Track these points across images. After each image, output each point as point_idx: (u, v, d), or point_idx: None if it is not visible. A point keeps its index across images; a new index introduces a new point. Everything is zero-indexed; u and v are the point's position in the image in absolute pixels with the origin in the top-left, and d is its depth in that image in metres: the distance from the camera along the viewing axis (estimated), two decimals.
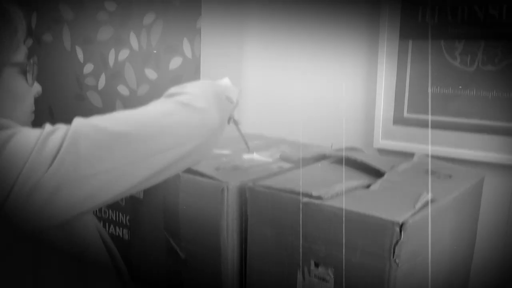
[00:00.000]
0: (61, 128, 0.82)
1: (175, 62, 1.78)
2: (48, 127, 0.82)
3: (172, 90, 1.01)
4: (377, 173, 1.22)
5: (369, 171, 1.24)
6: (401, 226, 0.93)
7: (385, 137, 1.65)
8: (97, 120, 0.86)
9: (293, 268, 1.08)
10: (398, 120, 1.63)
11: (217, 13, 1.93)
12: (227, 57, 1.95)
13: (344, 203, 1.01)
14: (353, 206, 1.00)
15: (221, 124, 1.00)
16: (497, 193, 1.49)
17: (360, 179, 1.17)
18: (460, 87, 1.52)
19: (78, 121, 0.84)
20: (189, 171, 1.21)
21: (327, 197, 1.04)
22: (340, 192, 1.07)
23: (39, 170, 0.76)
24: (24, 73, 0.93)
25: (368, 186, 1.14)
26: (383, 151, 1.67)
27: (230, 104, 1.08)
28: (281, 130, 1.72)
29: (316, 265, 1.05)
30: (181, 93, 0.98)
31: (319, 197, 1.03)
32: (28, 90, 0.95)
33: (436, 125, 1.57)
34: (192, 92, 0.98)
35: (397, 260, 0.94)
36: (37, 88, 0.98)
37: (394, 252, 0.94)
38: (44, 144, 0.78)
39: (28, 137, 0.80)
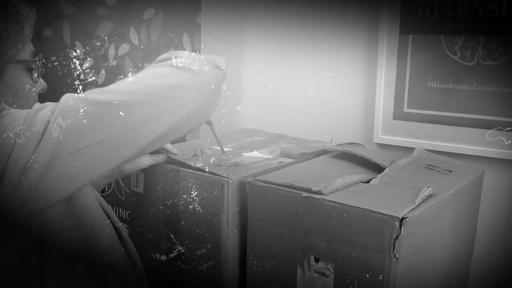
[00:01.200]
0: (49, 104, 0.81)
1: None
2: (37, 105, 0.81)
3: (164, 55, 0.99)
4: (377, 168, 1.22)
5: (369, 166, 1.24)
6: (401, 221, 0.93)
7: (385, 132, 1.65)
8: (86, 93, 0.85)
9: (293, 263, 1.08)
10: (398, 115, 1.63)
11: (217, 8, 1.93)
12: (227, 52, 1.95)
13: (344, 198, 1.02)
14: (353, 201, 1.00)
15: (217, 87, 0.98)
16: (497, 188, 1.49)
17: (360, 174, 1.17)
18: (460, 82, 1.51)
19: (66, 96, 0.83)
20: (189, 166, 1.21)
21: (327, 192, 1.04)
22: (340, 187, 1.07)
23: (28, 147, 0.76)
24: (29, 70, 0.93)
25: (368, 181, 1.14)
26: (383, 146, 1.67)
27: (220, 71, 1.06)
28: (281, 125, 1.72)
29: (316, 260, 1.05)
30: (173, 57, 0.96)
31: (319, 192, 1.03)
32: (33, 87, 0.95)
33: (436, 120, 1.57)
34: (185, 56, 0.97)
35: (397, 255, 0.94)
36: (42, 85, 0.98)
37: (394, 247, 0.94)
38: (32, 121, 0.78)
39: (16, 116, 0.79)
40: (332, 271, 1.03)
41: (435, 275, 1.13)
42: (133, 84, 0.88)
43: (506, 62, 1.44)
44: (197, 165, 1.20)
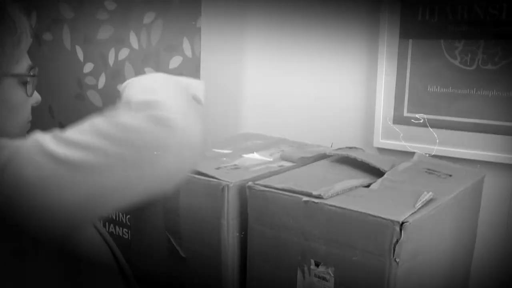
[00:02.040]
0: (7, 147, 0.71)
1: (175, 61, 1.78)
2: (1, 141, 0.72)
3: (140, 96, 0.81)
4: (377, 173, 1.22)
5: (369, 171, 1.24)
6: (401, 225, 0.93)
7: (385, 137, 1.65)
8: (53, 140, 0.73)
9: (293, 267, 1.08)
10: (398, 119, 1.63)
11: (217, 13, 1.93)
12: (227, 56, 1.95)
13: (344, 202, 1.01)
14: (353, 205, 1.00)
15: (202, 140, 0.82)
16: (497, 192, 1.49)
17: (360, 178, 1.17)
18: (460, 86, 1.52)
19: (32, 139, 0.73)
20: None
21: (327, 196, 1.04)
22: (340, 191, 1.07)
23: None
24: (24, 84, 0.89)
25: (368, 186, 1.14)
26: (383, 151, 1.67)
27: (201, 107, 0.91)
28: (281, 129, 1.72)
29: (316, 264, 1.05)
30: (153, 104, 0.78)
31: (319, 196, 1.03)
32: (26, 101, 0.91)
33: (436, 125, 1.57)
34: (165, 103, 0.79)
35: (397, 259, 0.94)
36: (36, 98, 0.94)
37: (394, 251, 0.94)
38: None
39: None
40: (332, 275, 1.03)
41: (435, 279, 1.13)
42: (102, 138, 0.73)
43: (506, 67, 1.44)
44: (197, 169, 1.20)
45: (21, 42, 0.86)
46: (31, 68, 0.90)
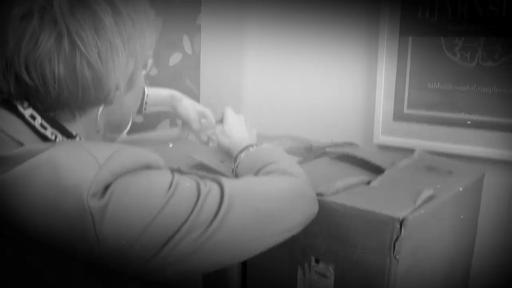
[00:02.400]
0: (213, 190, 0.82)
1: (175, 58, 1.77)
2: (203, 187, 0.82)
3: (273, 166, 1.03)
4: (377, 170, 1.22)
5: (369, 168, 1.24)
6: (402, 222, 0.93)
7: (385, 133, 1.65)
8: (248, 192, 0.87)
9: (293, 265, 1.08)
10: (398, 116, 1.63)
11: (217, 10, 1.93)
12: (227, 54, 1.95)
13: (344, 200, 1.02)
14: (353, 202, 1.00)
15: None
16: (497, 189, 1.49)
17: (361, 176, 1.17)
18: (460, 83, 1.52)
19: (230, 186, 0.84)
20: (193, 164, 1.21)
21: (328, 193, 1.04)
22: (341, 188, 1.07)
23: (195, 231, 0.77)
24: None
25: (368, 183, 1.14)
26: (383, 147, 1.67)
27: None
28: (282, 126, 1.72)
29: (317, 261, 1.05)
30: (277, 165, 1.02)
31: (320, 194, 1.03)
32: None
33: (436, 121, 1.57)
34: (283, 158, 1.06)
35: (397, 256, 0.94)
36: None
37: (394, 248, 0.94)
38: (202, 206, 0.79)
39: (188, 194, 0.80)
40: (332, 272, 1.03)
41: (435, 276, 1.13)
42: (277, 200, 0.91)
43: (506, 63, 1.44)
44: (202, 162, 1.20)
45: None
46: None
